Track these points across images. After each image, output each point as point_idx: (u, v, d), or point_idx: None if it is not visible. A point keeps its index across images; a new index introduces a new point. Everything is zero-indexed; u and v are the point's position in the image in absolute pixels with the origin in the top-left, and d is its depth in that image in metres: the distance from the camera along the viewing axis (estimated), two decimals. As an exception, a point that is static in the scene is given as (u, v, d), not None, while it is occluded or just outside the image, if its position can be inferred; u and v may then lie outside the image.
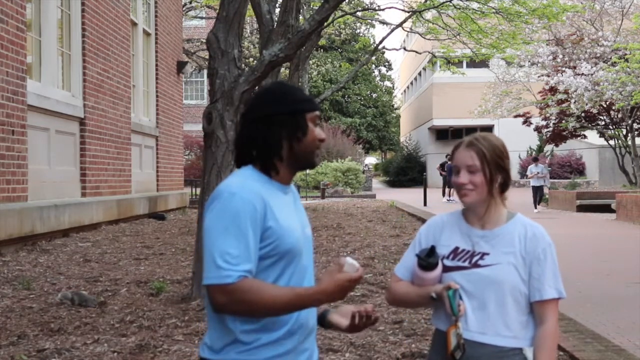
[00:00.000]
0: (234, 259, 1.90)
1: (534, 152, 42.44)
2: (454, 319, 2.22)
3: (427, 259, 2.26)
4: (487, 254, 2.28)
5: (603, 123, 28.24)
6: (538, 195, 22.28)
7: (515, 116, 31.48)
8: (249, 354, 1.98)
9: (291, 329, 2.02)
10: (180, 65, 18.28)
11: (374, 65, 54.25)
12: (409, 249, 2.45)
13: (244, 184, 1.98)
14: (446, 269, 2.30)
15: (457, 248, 2.32)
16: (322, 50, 47.95)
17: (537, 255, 2.28)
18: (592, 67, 23.91)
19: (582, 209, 21.80)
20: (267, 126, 2.03)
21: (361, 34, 49.30)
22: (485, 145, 2.29)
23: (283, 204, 2.04)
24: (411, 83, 58.59)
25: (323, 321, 2.16)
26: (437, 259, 2.28)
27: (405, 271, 2.39)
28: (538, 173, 22.27)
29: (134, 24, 14.70)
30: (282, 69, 16.51)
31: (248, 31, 35.05)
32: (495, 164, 2.28)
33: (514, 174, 43.38)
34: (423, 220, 13.87)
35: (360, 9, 28.00)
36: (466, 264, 2.28)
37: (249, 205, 1.93)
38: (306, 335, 2.07)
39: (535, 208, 21.78)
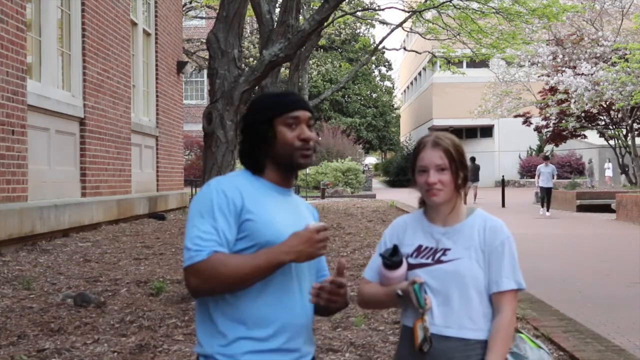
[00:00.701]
0: (204, 242, 1.98)
1: (533, 152, 42.44)
2: (421, 312, 2.26)
3: (391, 258, 2.31)
4: (449, 249, 2.32)
5: (603, 123, 28.26)
6: (547, 197, 20.50)
7: (515, 116, 31.51)
8: (230, 348, 2.01)
9: (278, 328, 2.04)
10: (180, 65, 18.28)
11: (374, 65, 54.27)
12: (375, 251, 2.48)
13: (223, 178, 2.12)
14: (410, 267, 2.34)
15: (420, 246, 2.36)
16: (322, 50, 47.95)
17: (496, 247, 2.31)
18: (592, 67, 23.92)
19: (582, 209, 21.80)
20: (244, 136, 2.18)
21: (361, 34, 49.31)
22: (450, 143, 2.34)
23: (272, 202, 2.10)
24: (411, 83, 58.60)
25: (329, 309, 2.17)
26: (401, 258, 2.32)
27: (373, 273, 2.44)
28: (542, 174, 20.68)
29: (134, 24, 14.69)
30: (282, 69, 16.51)
31: (248, 31, 35.03)
32: (459, 162, 2.33)
33: (514, 173, 43.39)
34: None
35: (360, 9, 28.00)
36: (429, 260, 2.32)
37: (221, 193, 2.04)
38: (293, 334, 2.07)
39: (542, 209, 20.47)
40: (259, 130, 2.13)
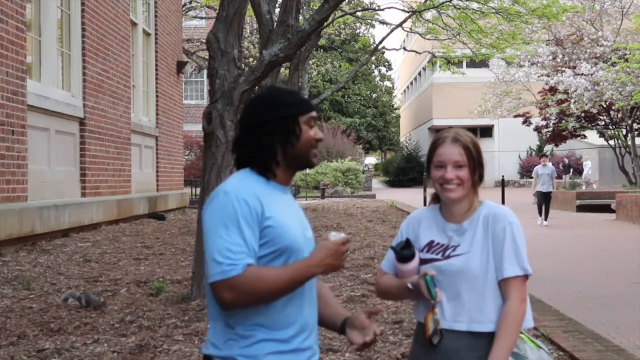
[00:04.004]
0: (235, 254, 1.94)
1: (533, 153, 42.41)
2: (432, 303, 2.26)
3: (401, 251, 2.33)
4: (458, 245, 2.32)
5: (603, 123, 28.25)
6: (545, 203, 17.09)
7: (515, 116, 31.50)
8: (252, 349, 2.01)
9: (298, 329, 2.05)
10: (180, 65, 18.28)
11: (373, 65, 54.26)
12: (392, 243, 2.49)
13: (238, 184, 2.05)
14: (422, 262, 2.35)
15: (432, 241, 2.37)
16: (322, 50, 47.94)
17: (497, 234, 2.30)
18: (592, 67, 23.90)
19: (582, 209, 21.78)
20: (261, 132, 2.09)
21: (361, 34, 49.29)
22: (469, 140, 2.34)
23: (281, 204, 2.08)
24: (411, 83, 58.59)
25: (343, 329, 2.19)
26: (412, 252, 2.33)
27: (388, 264, 2.45)
28: (540, 176, 17.17)
29: (134, 24, 14.69)
30: (282, 69, 16.50)
31: (248, 31, 35.04)
32: (477, 160, 2.33)
33: (514, 174, 43.38)
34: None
35: (360, 9, 27.99)
36: (439, 256, 2.33)
37: (243, 203, 1.98)
38: (307, 333, 2.10)
39: (540, 218, 17.22)
40: (281, 126, 2.08)
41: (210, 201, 2.04)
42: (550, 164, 18.14)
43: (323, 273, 2.03)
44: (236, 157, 2.16)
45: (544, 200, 17.06)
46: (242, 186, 2.03)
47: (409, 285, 2.29)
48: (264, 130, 2.08)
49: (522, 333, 2.35)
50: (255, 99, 2.17)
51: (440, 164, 2.31)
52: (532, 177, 18.39)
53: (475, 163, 2.32)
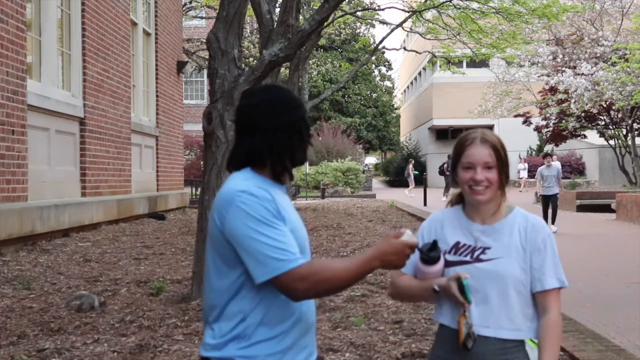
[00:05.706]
0: (290, 247, 1.95)
1: (533, 152, 42.39)
2: (462, 310, 2.23)
3: (429, 253, 2.28)
4: (489, 248, 2.29)
5: (603, 123, 28.23)
6: (551, 208, 15.24)
7: (515, 116, 31.49)
8: (249, 350, 2.00)
9: (292, 325, 2.04)
10: (180, 65, 18.28)
11: (374, 65, 54.22)
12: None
13: (256, 186, 2.02)
14: (448, 264, 2.31)
15: (458, 243, 2.33)
16: (322, 50, 47.94)
17: (537, 245, 2.29)
18: (592, 67, 23.89)
19: (582, 209, 21.78)
20: (290, 133, 2.08)
21: (361, 34, 49.27)
22: (497, 141, 2.32)
23: (288, 203, 2.10)
24: (411, 83, 58.57)
25: None
26: (439, 253, 2.29)
27: (408, 265, 2.38)
28: (544, 177, 15.20)
29: (134, 24, 14.69)
30: (282, 69, 16.51)
31: (248, 31, 35.04)
32: (505, 160, 2.32)
33: (513, 174, 43.37)
34: (423, 220, 13.83)
35: (360, 9, 28.00)
36: (468, 258, 2.30)
37: (270, 204, 1.99)
38: (305, 331, 2.08)
39: (549, 224, 14.76)
40: (306, 127, 2.13)
41: (230, 205, 1.98)
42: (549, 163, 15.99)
43: (383, 267, 2.03)
44: (244, 159, 2.09)
45: (549, 203, 15.23)
46: (259, 187, 2.01)
47: (436, 288, 2.25)
48: (293, 130, 2.09)
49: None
50: (271, 100, 2.10)
51: (470, 165, 2.28)
52: (532, 177, 17.79)
53: (503, 164, 2.30)
